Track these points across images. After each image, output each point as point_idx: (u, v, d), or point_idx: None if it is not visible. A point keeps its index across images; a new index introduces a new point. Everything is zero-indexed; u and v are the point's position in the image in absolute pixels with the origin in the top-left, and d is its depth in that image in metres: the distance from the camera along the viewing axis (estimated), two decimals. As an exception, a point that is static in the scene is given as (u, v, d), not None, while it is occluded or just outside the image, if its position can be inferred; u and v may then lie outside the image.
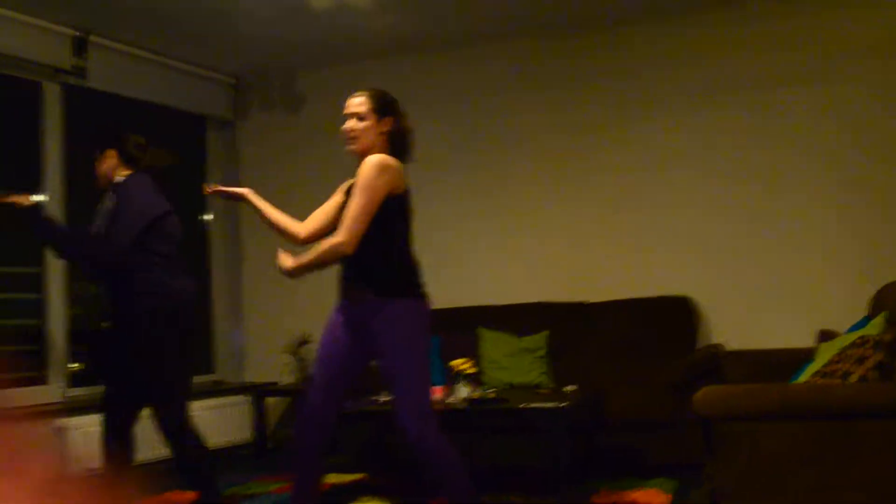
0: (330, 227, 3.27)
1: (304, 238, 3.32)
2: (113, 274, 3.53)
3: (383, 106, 3.19)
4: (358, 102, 3.19)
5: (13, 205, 3.40)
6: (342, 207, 3.21)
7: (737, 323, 5.29)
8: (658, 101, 5.60)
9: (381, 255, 3.12)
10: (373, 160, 3.06)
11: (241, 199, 3.41)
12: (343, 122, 3.21)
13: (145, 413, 3.60)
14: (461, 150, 6.07)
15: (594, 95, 5.76)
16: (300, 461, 3.20)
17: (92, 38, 5.41)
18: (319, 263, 3.11)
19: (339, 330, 3.21)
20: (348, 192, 3.22)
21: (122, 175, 3.62)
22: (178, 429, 3.48)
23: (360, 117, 3.16)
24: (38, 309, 5.26)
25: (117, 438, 3.59)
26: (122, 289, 3.50)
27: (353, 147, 3.19)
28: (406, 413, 3.08)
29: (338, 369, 3.20)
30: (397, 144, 3.20)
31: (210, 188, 3.50)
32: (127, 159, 3.64)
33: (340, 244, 3.02)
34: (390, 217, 3.10)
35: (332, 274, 3.26)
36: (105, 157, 3.64)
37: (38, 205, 3.57)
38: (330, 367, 3.20)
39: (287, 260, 3.11)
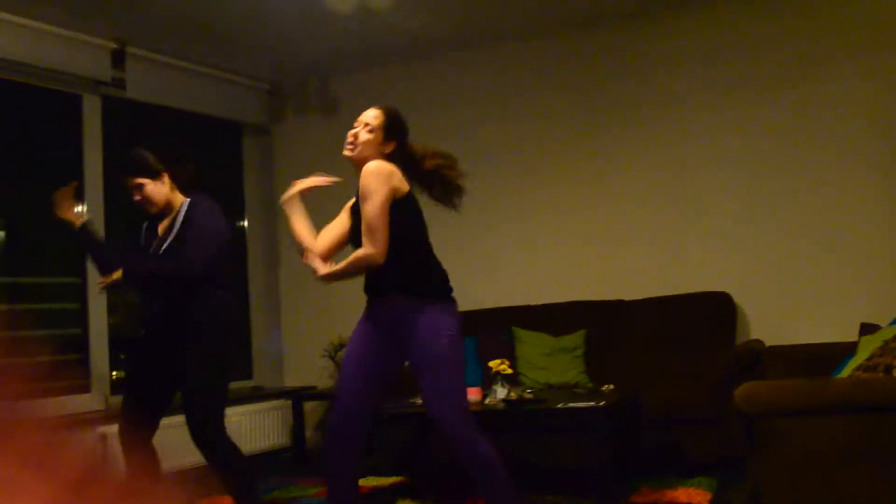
0: (337, 247, 3.31)
1: None
2: (173, 289, 3.57)
3: (392, 127, 3.24)
4: (373, 115, 3.24)
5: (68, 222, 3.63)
6: (353, 228, 3.22)
7: (776, 318, 5.22)
8: (695, 95, 5.54)
9: (409, 259, 3.13)
10: (370, 167, 3.10)
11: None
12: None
13: (175, 422, 3.64)
14: (496, 151, 6.07)
15: (630, 92, 5.72)
16: (334, 465, 3.21)
17: (129, 49, 5.49)
18: (350, 273, 3.15)
19: (370, 333, 3.22)
20: (354, 211, 3.24)
21: (176, 196, 3.66)
22: (217, 435, 3.51)
23: (370, 129, 3.20)
24: (79, 318, 5.34)
25: (143, 447, 3.62)
26: (181, 303, 3.53)
27: (348, 153, 3.24)
28: (445, 414, 3.08)
29: (370, 372, 3.21)
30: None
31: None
32: (175, 179, 3.70)
33: (372, 255, 3.05)
34: (405, 219, 3.13)
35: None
36: (162, 181, 3.64)
37: (86, 225, 3.68)
38: (361, 370, 3.20)
39: (321, 266, 3.15)
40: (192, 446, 3.51)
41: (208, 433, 3.48)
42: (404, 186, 3.16)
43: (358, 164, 3.20)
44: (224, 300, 3.60)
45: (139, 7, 5.03)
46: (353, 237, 3.22)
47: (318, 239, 3.33)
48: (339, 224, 3.35)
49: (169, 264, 3.54)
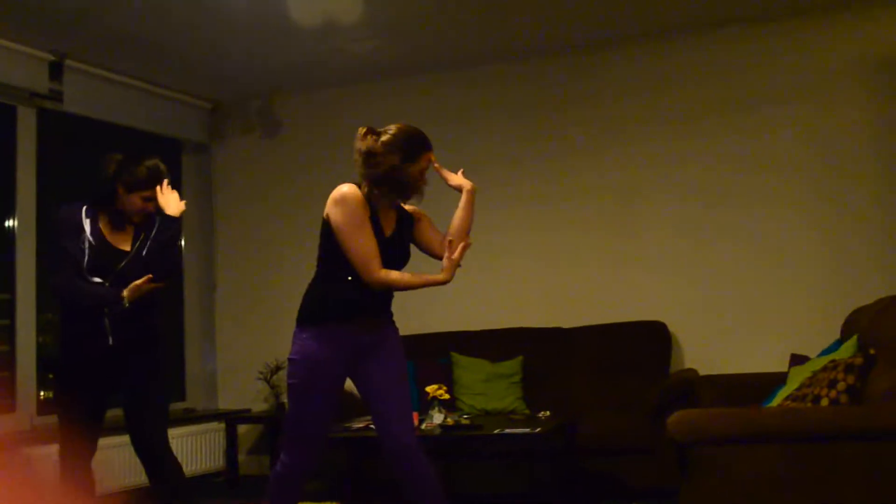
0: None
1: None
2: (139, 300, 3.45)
3: None
4: None
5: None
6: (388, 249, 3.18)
7: (710, 348, 5.31)
8: (633, 125, 5.65)
9: None
10: None
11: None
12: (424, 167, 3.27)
13: (119, 442, 3.55)
14: (434, 175, 6.07)
15: (571, 120, 5.80)
16: (286, 494, 3.15)
17: (68, 62, 5.39)
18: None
19: (337, 362, 3.11)
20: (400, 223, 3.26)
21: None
22: (166, 449, 3.44)
23: None
24: (7, 335, 5.19)
25: (84, 466, 3.52)
26: (140, 313, 3.44)
27: None
28: (413, 430, 3.13)
29: (334, 398, 3.17)
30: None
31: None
32: None
33: None
34: None
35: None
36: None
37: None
38: (330, 407, 3.15)
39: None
40: (127, 467, 3.44)
41: (166, 446, 3.42)
42: None
43: None
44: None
45: (79, 20, 4.94)
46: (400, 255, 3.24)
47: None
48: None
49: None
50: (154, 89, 6.05)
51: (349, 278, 3.07)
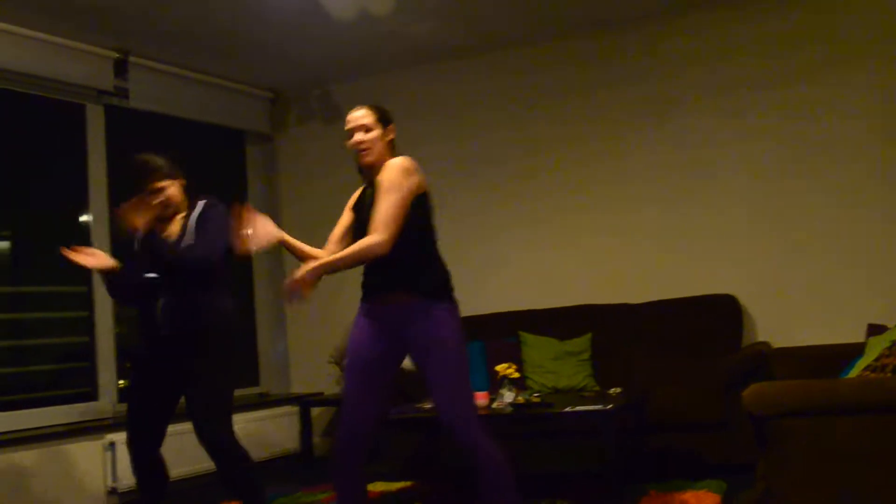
0: (346, 244, 3.26)
1: None
2: (187, 289, 3.56)
3: (384, 115, 3.25)
4: (362, 115, 3.22)
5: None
6: (355, 224, 3.23)
7: (783, 320, 5.21)
8: (698, 99, 5.53)
9: (418, 257, 3.12)
10: (397, 162, 3.11)
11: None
12: (348, 138, 3.22)
13: (185, 428, 3.64)
14: (501, 156, 6.07)
15: (633, 96, 5.71)
16: (343, 471, 3.20)
17: (132, 59, 5.51)
18: (351, 263, 3.05)
19: (369, 334, 3.19)
20: (356, 209, 3.26)
21: (184, 201, 3.69)
22: (228, 440, 3.51)
23: (367, 129, 3.19)
24: (86, 326, 5.35)
25: (153, 456, 3.64)
26: (188, 307, 3.54)
27: (368, 159, 3.20)
28: (454, 417, 3.07)
29: (374, 379, 3.19)
30: (397, 152, 3.26)
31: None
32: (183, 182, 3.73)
33: (378, 244, 2.98)
34: (421, 217, 3.12)
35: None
36: (174, 184, 3.68)
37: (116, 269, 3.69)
38: (364, 373, 3.18)
39: (301, 269, 2.96)
40: (201, 452, 3.52)
41: (218, 437, 3.49)
42: (425, 185, 3.16)
43: (376, 165, 3.19)
44: (228, 303, 3.64)
45: (142, 16, 5.04)
46: (355, 233, 3.21)
47: (329, 245, 3.30)
48: (343, 226, 3.34)
49: (198, 250, 3.55)
50: (216, 81, 6.15)
51: None
